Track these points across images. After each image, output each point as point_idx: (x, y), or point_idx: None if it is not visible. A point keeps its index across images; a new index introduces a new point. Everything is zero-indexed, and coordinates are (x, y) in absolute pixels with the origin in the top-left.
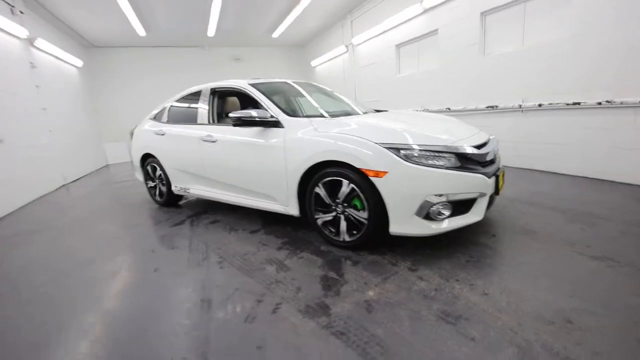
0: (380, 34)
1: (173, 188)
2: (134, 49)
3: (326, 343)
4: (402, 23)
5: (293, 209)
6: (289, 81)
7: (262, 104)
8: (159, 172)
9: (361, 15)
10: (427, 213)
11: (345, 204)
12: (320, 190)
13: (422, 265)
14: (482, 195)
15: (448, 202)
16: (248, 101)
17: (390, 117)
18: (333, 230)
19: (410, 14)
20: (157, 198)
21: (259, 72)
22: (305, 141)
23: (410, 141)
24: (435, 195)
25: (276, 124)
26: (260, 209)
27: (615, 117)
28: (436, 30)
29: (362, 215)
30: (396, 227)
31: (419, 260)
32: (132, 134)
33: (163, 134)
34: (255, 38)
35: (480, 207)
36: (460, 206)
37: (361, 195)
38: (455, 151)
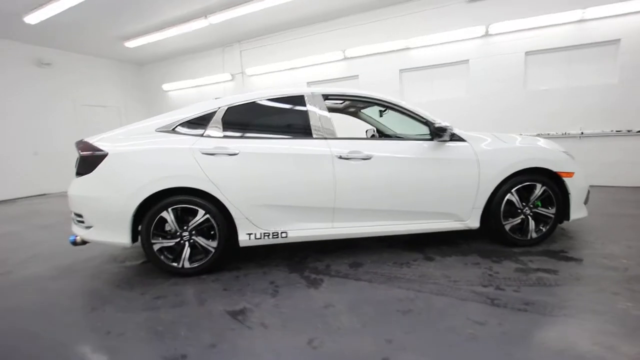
0: (288, 69)
1: (243, 238)
2: None
3: None
4: (319, 64)
5: (474, 222)
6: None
7: (427, 119)
8: (200, 218)
9: (258, 47)
10: (586, 199)
11: (531, 206)
12: (512, 196)
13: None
14: None
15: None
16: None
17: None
18: (518, 232)
19: (330, 58)
20: (183, 264)
21: (76, 86)
22: (503, 152)
23: (567, 150)
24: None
25: (453, 137)
26: (423, 231)
27: None
28: (357, 75)
29: (550, 211)
30: (575, 215)
31: (587, 243)
32: (84, 161)
33: (234, 154)
34: (93, 42)
35: None
36: None
37: (551, 194)
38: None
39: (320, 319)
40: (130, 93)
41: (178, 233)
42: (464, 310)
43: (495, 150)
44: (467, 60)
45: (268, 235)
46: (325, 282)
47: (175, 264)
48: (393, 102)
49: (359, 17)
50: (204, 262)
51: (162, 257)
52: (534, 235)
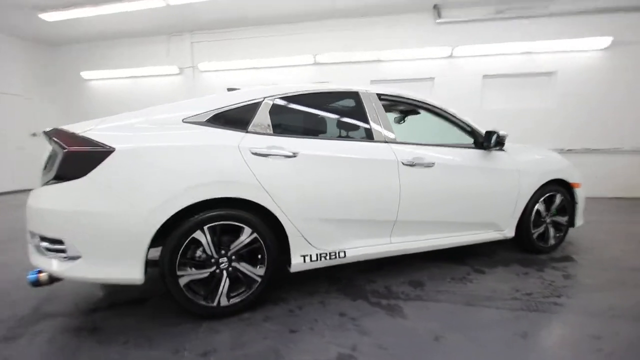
0: (250, 68)
1: (297, 261)
2: None
3: None
4: (287, 66)
5: (511, 231)
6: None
7: (473, 127)
8: (245, 238)
9: (215, 41)
10: (583, 209)
11: (551, 215)
12: (540, 205)
13: (605, 249)
14: None
15: None
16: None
17: None
18: (541, 239)
19: (300, 61)
20: (220, 301)
21: None
22: (538, 163)
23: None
24: None
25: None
26: (467, 243)
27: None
28: (327, 82)
29: (564, 219)
30: (578, 222)
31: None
32: (70, 160)
33: (291, 156)
34: None
35: None
36: None
37: (565, 204)
38: None
39: (447, 357)
40: (38, 79)
41: (213, 260)
42: (570, 324)
43: (531, 161)
44: (433, 78)
45: (325, 256)
46: (404, 308)
47: (208, 302)
48: (444, 109)
49: (331, 23)
50: (246, 296)
51: (190, 294)
52: (552, 242)
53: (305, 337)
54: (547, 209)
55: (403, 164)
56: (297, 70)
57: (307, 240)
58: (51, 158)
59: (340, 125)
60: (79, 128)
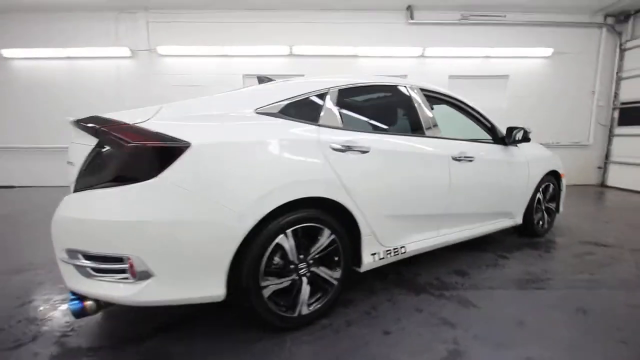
0: (219, 56)
1: (368, 260)
2: None
3: None
4: (259, 56)
5: (520, 218)
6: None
7: (493, 124)
8: (325, 241)
9: (177, 22)
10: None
11: (546, 202)
12: (540, 194)
13: (581, 229)
14: None
15: None
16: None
17: None
18: (538, 224)
19: (274, 51)
20: (301, 310)
21: None
22: (539, 156)
23: None
24: None
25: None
26: (490, 232)
27: None
28: (303, 75)
29: (553, 206)
30: (561, 208)
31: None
32: (134, 158)
33: (365, 151)
34: None
35: None
36: None
37: (556, 192)
38: None
39: (543, 337)
40: None
41: (293, 266)
42: (610, 297)
43: (535, 154)
44: (406, 75)
45: (390, 253)
46: (470, 298)
47: (289, 313)
48: (472, 107)
49: (308, 14)
50: (325, 302)
51: (273, 306)
52: (546, 226)
53: (404, 338)
54: (544, 197)
55: (452, 158)
56: (272, 60)
57: (376, 238)
58: (97, 156)
59: (397, 119)
60: (129, 117)
